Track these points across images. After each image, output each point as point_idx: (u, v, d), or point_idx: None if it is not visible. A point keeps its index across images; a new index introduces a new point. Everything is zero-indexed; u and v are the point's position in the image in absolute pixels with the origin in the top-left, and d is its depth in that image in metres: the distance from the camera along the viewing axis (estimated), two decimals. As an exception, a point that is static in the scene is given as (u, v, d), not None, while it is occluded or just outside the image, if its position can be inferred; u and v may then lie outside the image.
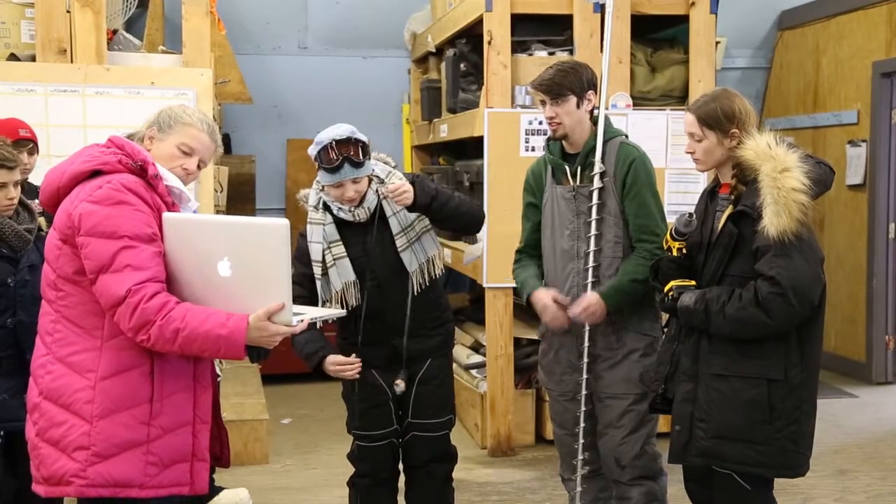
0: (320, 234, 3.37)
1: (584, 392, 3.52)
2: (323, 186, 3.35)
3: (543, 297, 3.47)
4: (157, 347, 2.37)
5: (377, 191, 3.36)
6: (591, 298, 3.40)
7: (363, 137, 3.28)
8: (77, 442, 2.40)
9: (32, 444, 2.50)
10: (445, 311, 3.61)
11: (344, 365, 3.35)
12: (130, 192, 2.41)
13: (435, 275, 3.47)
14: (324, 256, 3.37)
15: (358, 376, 3.37)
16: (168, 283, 2.44)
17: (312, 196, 3.43)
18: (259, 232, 2.40)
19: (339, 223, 3.39)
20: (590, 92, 3.46)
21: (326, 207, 3.39)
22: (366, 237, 3.39)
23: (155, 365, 2.44)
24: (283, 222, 2.36)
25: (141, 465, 2.42)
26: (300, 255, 3.43)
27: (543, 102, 3.45)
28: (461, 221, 3.48)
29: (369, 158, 3.31)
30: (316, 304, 3.38)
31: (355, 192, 3.29)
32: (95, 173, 2.46)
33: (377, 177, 3.38)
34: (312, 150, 3.30)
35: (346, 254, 3.36)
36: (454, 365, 5.61)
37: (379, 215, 3.38)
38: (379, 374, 3.45)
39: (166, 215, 2.47)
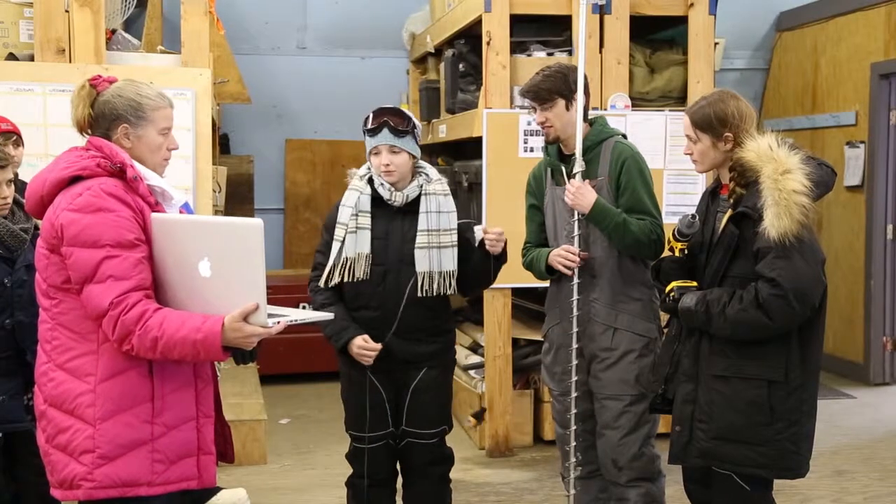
0: (354, 199, 3.42)
1: (573, 394, 3.53)
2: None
3: (558, 250, 3.51)
4: (141, 356, 2.38)
5: (422, 185, 3.43)
6: (586, 187, 3.40)
7: (411, 115, 3.45)
8: (83, 446, 2.41)
9: (44, 451, 2.51)
10: (447, 321, 3.57)
11: (368, 350, 3.36)
12: (111, 198, 2.40)
13: (445, 291, 3.43)
14: (348, 221, 3.40)
15: (370, 362, 3.39)
16: (157, 285, 2.44)
17: (363, 169, 3.50)
18: (234, 231, 2.39)
19: (374, 202, 3.43)
20: (576, 94, 3.49)
21: (370, 182, 3.45)
22: (391, 223, 3.42)
23: (153, 363, 2.44)
24: (258, 222, 2.34)
25: (147, 463, 2.43)
26: (328, 223, 3.49)
27: (534, 108, 3.50)
28: (491, 281, 3.58)
29: (414, 137, 3.43)
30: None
31: (390, 162, 3.37)
32: (76, 179, 2.45)
33: (425, 173, 3.47)
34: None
35: (369, 227, 3.40)
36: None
37: (411, 210, 3.42)
38: (374, 374, 3.44)
39: (154, 216, 2.45)
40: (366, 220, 3.39)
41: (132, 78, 2.64)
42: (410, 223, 3.42)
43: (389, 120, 3.36)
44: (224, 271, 2.36)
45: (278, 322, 2.40)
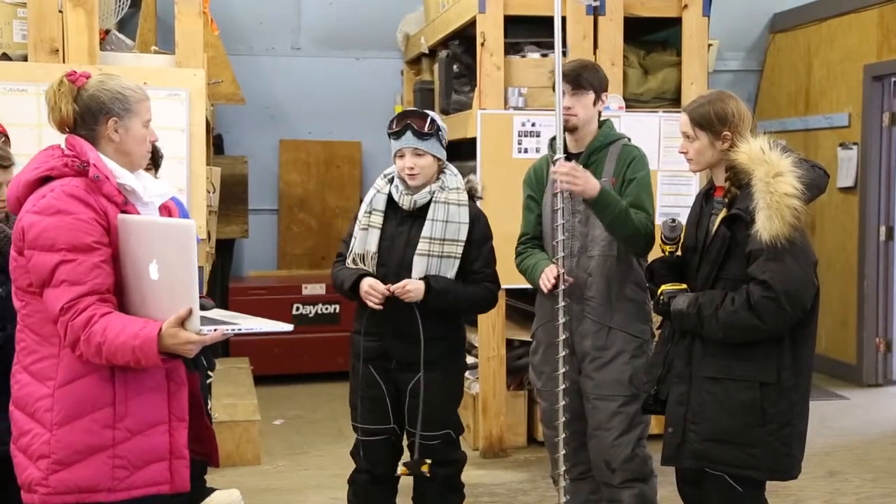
0: (371, 196, 3.51)
1: (561, 403, 3.48)
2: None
3: (549, 270, 3.46)
4: (92, 361, 2.34)
5: (433, 192, 3.42)
6: (589, 175, 3.35)
7: (437, 118, 3.44)
8: (39, 451, 2.39)
9: (12, 453, 2.50)
10: (450, 323, 3.53)
11: (374, 291, 3.34)
12: (72, 199, 2.35)
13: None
14: (362, 218, 3.48)
15: (380, 307, 3.35)
16: (122, 288, 2.41)
17: (390, 168, 3.55)
18: (169, 232, 2.34)
19: (390, 203, 3.47)
20: (604, 93, 3.56)
21: (390, 182, 3.50)
22: (399, 227, 3.45)
23: (115, 368, 2.40)
24: (191, 223, 2.30)
25: (107, 469, 2.39)
26: (355, 218, 3.57)
27: (563, 93, 3.49)
28: (459, 311, 3.57)
29: (439, 140, 3.41)
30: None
31: (414, 165, 3.38)
32: (46, 179, 2.41)
33: (444, 179, 3.45)
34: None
35: (380, 226, 3.45)
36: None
37: (420, 215, 3.42)
38: (373, 368, 3.47)
39: (118, 217, 2.41)
40: (378, 219, 3.45)
41: (108, 72, 2.60)
42: (417, 229, 3.42)
43: (413, 123, 3.38)
44: (167, 274, 2.31)
45: (214, 329, 2.31)
